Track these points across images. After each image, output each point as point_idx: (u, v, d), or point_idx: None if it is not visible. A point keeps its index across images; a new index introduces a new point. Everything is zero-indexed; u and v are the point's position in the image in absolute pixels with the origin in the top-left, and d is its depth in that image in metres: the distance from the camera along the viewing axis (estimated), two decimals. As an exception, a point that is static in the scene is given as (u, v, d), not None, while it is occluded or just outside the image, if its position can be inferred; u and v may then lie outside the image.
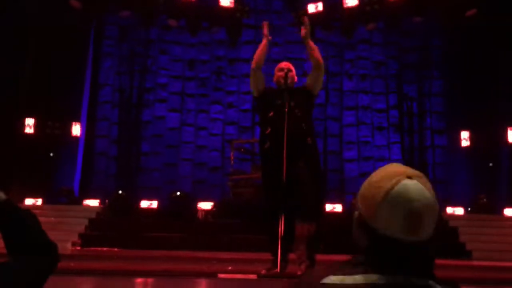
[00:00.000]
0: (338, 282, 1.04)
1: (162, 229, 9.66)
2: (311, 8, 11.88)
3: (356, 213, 1.16)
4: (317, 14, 11.85)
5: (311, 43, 4.23)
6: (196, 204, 10.85)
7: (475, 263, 8.42)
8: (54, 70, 11.68)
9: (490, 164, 12.21)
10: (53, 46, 11.57)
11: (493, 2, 11.10)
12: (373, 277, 1.05)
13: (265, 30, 4.29)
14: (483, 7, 11.16)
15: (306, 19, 4.24)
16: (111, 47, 13.64)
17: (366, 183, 1.17)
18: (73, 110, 12.48)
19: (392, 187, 1.11)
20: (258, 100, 4.25)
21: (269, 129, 4.02)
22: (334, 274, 1.05)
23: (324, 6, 11.88)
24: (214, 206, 10.77)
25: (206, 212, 10.59)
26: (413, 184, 1.13)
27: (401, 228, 1.07)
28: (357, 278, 1.04)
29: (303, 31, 4.17)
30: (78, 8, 11.47)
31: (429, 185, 1.17)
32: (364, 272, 1.05)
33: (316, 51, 4.19)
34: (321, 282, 1.04)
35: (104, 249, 8.78)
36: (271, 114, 4.04)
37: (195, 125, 13.69)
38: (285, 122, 3.86)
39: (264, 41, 4.28)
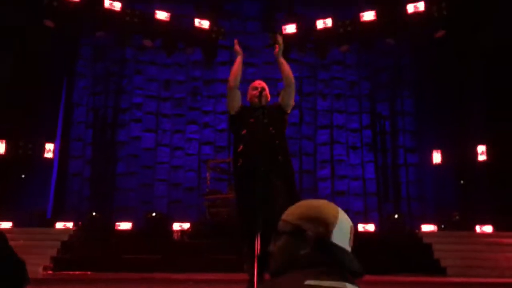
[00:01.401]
0: (317, 284, 1.24)
1: (137, 250, 9.50)
2: (286, 29, 12.07)
3: (310, 233, 1.35)
4: (291, 36, 12.04)
5: (283, 61, 4.27)
6: (172, 224, 10.73)
7: (450, 279, 8.51)
8: (27, 90, 11.52)
9: (462, 182, 12.47)
10: (27, 66, 11.43)
11: (461, 25, 11.47)
12: (341, 284, 1.27)
13: (237, 47, 4.30)
14: (451, 29, 11.52)
15: (279, 37, 4.27)
16: (85, 67, 13.55)
17: (311, 208, 1.41)
18: (46, 130, 12.30)
19: (338, 210, 1.40)
20: (233, 118, 4.25)
21: (241, 147, 4.01)
22: (311, 279, 1.24)
23: (298, 28, 12.09)
24: (190, 227, 10.67)
25: (182, 232, 10.47)
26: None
27: (349, 240, 1.38)
28: (331, 283, 1.25)
29: (277, 49, 4.20)
30: (53, 28, 11.40)
31: None
32: (334, 279, 1.27)
33: (288, 69, 4.24)
34: (305, 283, 1.23)
35: (77, 272, 8.58)
36: (244, 132, 4.04)
37: (170, 145, 13.63)
38: (259, 139, 3.87)
39: (239, 58, 4.29)
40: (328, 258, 1.31)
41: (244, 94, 4.38)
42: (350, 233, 1.40)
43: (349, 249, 1.37)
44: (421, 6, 11.46)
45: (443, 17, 11.40)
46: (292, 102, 4.22)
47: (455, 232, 10.85)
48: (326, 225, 1.36)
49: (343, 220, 1.39)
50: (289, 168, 4.07)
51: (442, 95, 12.68)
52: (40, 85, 11.81)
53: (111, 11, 11.48)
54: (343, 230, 1.37)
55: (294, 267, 1.32)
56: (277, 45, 4.19)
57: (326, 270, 1.28)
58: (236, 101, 4.17)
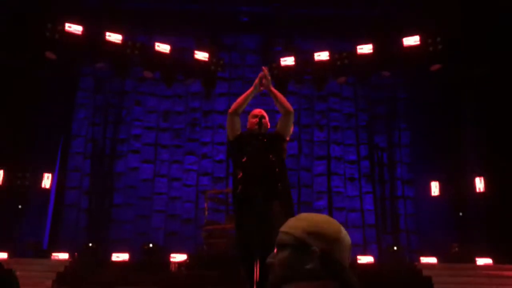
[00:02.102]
0: None
1: (134, 282, 9.37)
2: (284, 62, 12.27)
3: (316, 249, 1.35)
4: (289, 68, 12.23)
5: (275, 92, 4.31)
6: (169, 256, 10.62)
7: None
8: (24, 121, 11.60)
9: (460, 214, 12.43)
10: (26, 97, 11.54)
11: (456, 58, 11.69)
12: None
13: (257, 80, 4.25)
14: (446, 63, 11.73)
15: (265, 69, 4.32)
16: (85, 98, 13.68)
17: (314, 223, 1.41)
18: (44, 161, 12.31)
19: (341, 228, 1.44)
20: (232, 145, 4.29)
21: (241, 174, 4.04)
22: None
23: (296, 60, 12.28)
24: (187, 258, 10.56)
25: (179, 264, 10.35)
26: None
27: (348, 255, 1.41)
28: None
29: (263, 81, 4.23)
30: (54, 59, 11.56)
31: None
32: None
33: (282, 99, 4.27)
34: None
35: (72, 304, 8.44)
36: (244, 159, 4.07)
37: (168, 176, 13.61)
38: (259, 167, 3.91)
39: (251, 89, 4.27)
40: (331, 274, 1.33)
41: (244, 126, 4.43)
42: (349, 250, 1.43)
43: (347, 265, 1.39)
44: (416, 40, 11.69)
45: (438, 51, 11.62)
46: (289, 131, 4.26)
47: (455, 265, 10.76)
48: (329, 241, 1.38)
49: (344, 237, 1.42)
50: (288, 195, 4.09)
51: (438, 127, 12.79)
52: (39, 115, 11.88)
53: (112, 43, 11.68)
54: (344, 246, 1.40)
55: (296, 280, 1.32)
56: (263, 78, 4.22)
57: (329, 284, 1.30)
58: (235, 128, 4.22)
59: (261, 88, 4.28)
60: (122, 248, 11.26)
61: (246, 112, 4.66)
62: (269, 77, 4.30)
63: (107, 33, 11.63)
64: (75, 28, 11.44)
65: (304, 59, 12.42)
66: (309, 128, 14.08)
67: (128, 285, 9.17)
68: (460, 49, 11.54)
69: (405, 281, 9.78)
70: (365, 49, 11.96)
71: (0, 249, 10.30)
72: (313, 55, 12.24)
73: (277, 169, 4.03)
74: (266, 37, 13.94)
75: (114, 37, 11.68)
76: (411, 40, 11.71)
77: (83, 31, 11.49)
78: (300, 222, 1.43)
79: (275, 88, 4.40)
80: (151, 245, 11.05)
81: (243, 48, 14.29)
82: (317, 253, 1.35)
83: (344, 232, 1.44)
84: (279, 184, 4.05)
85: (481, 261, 10.73)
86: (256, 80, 4.28)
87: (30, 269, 9.68)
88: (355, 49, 12.03)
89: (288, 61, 12.28)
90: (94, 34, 11.63)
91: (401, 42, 11.77)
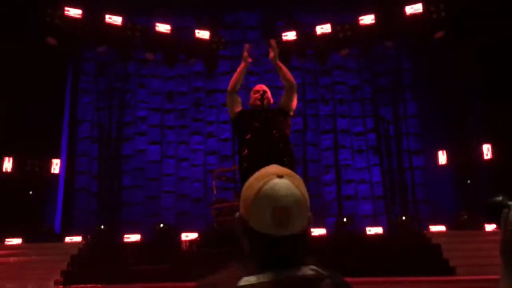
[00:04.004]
0: (248, 283, 1.12)
1: (147, 262, 9.52)
2: (285, 36, 12.16)
3: (237, 214, 1.21)
4: (291, 43, 12.13)
5: (281, 65, 4.30)
6: (180, 235, 10.76)
7: (460, 278, 8.48)
8: (31, 108, 11.65)
9: (468, 181, 12.44)
10: (30, 83, 11.56)
11: (460, 25, 11.53)
12: (268, 275, 1.13)
13: (245, 53, 4.34)
14: (450, 30, 11.58)
15: (273, 41, 4.33)
16: (88, 83, 13.67)
17: (245, 185, 1.22)
18: (52, 147, 12.40)
19: (261, 187, 1.17)
20: (235, 122, 4.29)
21: (246, 151, 4.06)
22: (243, 276, 1.13)
23: (297, 34, 12.17)
24: (198, 236, 10.69)
25: (191, 242, 10.49)
26: (282, 182, 1.19)
27: (270, 223, 1.14)
28: (260, 278, 1.12)
29: (271, 53, 4.26)
30: (55, 45, 11.54)
31: (298, 182, 1.22)
32: (257, 271, 1.14)
33: (286, 72, 4.26)
34: (239, 285, 1.12)
35: (88, 286, 8.60)
36: (248, 136, 4.08)
37: (176, 157, 13.68)
38: (263, 143, 3.92)
39: (242, 65, 4.33)
40: (249, 247, 1.19)
41: (245, 103, 4.44)
42: (274, 215, 1.14)
43: (272, 232, 1.15)
44: (419, 7, 11.53)
45: (441, 18, 11.46)
46: (293, 105, 4.23)
47: (463, 232, 10.83)
48: (246, 205, 1.18)
49: (264, 201, 1.15)
50: (294, 171, 4.09)
51: (444, 96, 12.70)
52: (44, 101, 11.91)
53: (112, 26, 11.62)
54: (259, 213, 1.15)
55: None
56: (270, 49, 4.24)
57: (248, 262, 1.17)
58: (234, 105, 4.22)
59: (249, 60, 4.31)
60: (133, 229, 11.42)
61: (249, 89, 4.65)
62: (276, 49, 4.31)
63: (107, 16, 11.56)
64: (74, 12, 11.39)
65: (306, 32, 12.30)
66: (314, 103, 14.03)
67: (141, 265, 9.32)
68: (464, 16, 11.37)
69: (415, 249, 9.86)
70: (367, 19, 11.83)
71: (14, 235, 10.49)
72: (315, 28, 12.12)
73: (281, 145, 4.04)
74: (266, 13, 13.80)
75: (114, 19, 11.62)
76: (414, 8, 11.56)
77: (82, 15, 11.44)
78: (247, 181, 1.24)
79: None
80: (162, 225, 11.20)
81: (244, 25, 14.16)
82: (237, 220, 1.20)
83: (265, 194, 1.15)
84: (284, 159, 4.06)
85: (489, 228, 10.78)
86: (244, 53, 4.31)
87: (44, 253, 9.87)
88: (357, 20, 11.90)
89: (289, 35, 12.17)
90: (93, 17, 11.57)
91: (404, 11, 11.62)
